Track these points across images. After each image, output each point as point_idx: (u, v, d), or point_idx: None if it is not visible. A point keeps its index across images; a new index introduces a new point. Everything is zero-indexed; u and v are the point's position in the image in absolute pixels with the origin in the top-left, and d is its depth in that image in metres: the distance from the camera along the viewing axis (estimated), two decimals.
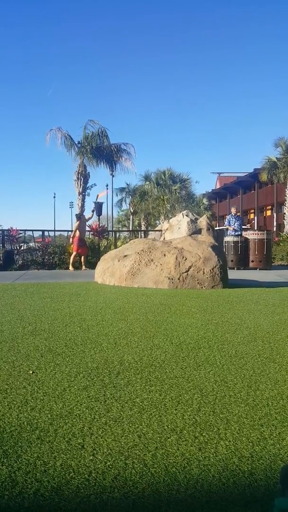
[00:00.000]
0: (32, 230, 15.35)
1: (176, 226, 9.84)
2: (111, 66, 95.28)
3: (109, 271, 8.40)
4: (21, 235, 14.51)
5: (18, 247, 13.99)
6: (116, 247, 13.26)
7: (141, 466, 1.77)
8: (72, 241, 12.32)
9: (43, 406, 2.36)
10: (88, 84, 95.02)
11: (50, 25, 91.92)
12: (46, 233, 15.22)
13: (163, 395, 2.53)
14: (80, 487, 1.63)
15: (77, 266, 12.52)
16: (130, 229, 38.85)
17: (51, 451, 1.89)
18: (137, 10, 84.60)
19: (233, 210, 14.51)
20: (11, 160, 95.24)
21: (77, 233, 12.12)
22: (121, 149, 21.47)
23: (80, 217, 12.66)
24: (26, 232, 15.41)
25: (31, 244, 15.61)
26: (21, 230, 14.50)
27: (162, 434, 2.05)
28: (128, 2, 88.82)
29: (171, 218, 11.78)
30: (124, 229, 43.57)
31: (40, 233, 15.23)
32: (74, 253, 12.20)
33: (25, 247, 14.55)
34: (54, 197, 70.60)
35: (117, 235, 18.31)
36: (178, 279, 7.69)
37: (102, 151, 20.76)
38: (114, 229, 35.55)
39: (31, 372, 2.95)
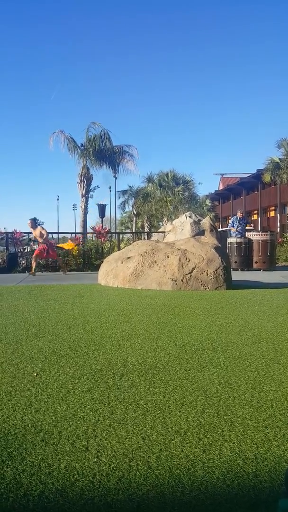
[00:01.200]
0: None
1: (179, 228, 9.84)
2: (112, 66, 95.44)
3: (113, 273, 8.41)
4: (24, 237, 14.55)
5: (22, 250, 14.02)
6: (119, 249, 13.26)
7: (145, 468, 1.77)
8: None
9: (47, 408, 2.36)
10: (89, 84, 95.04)
11: (49, 25, 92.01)
12: (49, 236, 15.22)
13: (167, 397, 2.53)
14: (85, 489, 1.63)
15: (79, 268, 12.55)
16: (133, 231, 38.88)
17: (56, 453, 1.89)
18: (138, 9, 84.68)
19: (239, 214, 14.40)
20: (13, 161, 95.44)
21: (40, 240, 11.76)
22: (124, 151, 21.53)
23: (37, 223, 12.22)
24: (29, 234, 15.44)
25: (35, 246, 15.64)
26: (24, 232, 14.54)
27: (166, 436, 2.05)
28: (128, 2, 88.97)
29: (174, 219, 11.79)
30: (127, 231, 43.61)
31: None
32: (58, 259, 12.24)
33: (29, 250, 14.57)
34: (58, 199, 70.93)
35: (120, 237, 18.34)
36: (182, 280, 7.69)
37: (105, 153, 20.82)
38: (117, 231, 35.59)
39: (35, 374, 2.95)
